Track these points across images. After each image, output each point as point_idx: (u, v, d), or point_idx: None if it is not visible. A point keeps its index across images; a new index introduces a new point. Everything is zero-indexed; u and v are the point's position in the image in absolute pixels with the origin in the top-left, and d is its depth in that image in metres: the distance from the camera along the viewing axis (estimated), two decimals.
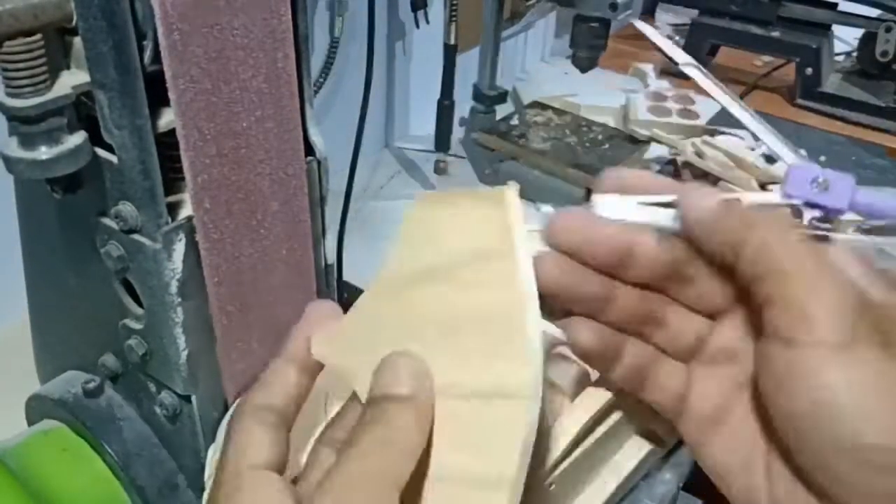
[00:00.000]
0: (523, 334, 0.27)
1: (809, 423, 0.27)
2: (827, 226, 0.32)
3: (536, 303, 0.28)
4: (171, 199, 0.45)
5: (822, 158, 1.21)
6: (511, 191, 0.29)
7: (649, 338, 0.34)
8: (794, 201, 0.32)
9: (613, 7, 0.96)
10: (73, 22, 0.39)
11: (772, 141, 0.32)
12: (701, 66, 0.32)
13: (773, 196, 0.32)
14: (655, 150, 1.17)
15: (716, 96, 0.32)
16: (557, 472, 0.41)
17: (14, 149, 0.40)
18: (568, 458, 0.41)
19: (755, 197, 0.32)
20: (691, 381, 0.34)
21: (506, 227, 0.28)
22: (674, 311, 0.33)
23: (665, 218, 0.32)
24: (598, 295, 0.32)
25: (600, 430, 0.42)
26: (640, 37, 1.63)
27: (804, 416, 0.27)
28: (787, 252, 0.29)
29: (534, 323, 0.27)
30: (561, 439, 0.40)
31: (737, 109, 0.31)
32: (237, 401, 0.33)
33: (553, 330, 0.33)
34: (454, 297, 0.30)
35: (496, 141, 1.10)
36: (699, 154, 1.14)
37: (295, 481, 0.32)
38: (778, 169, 1.13)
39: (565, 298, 0.32)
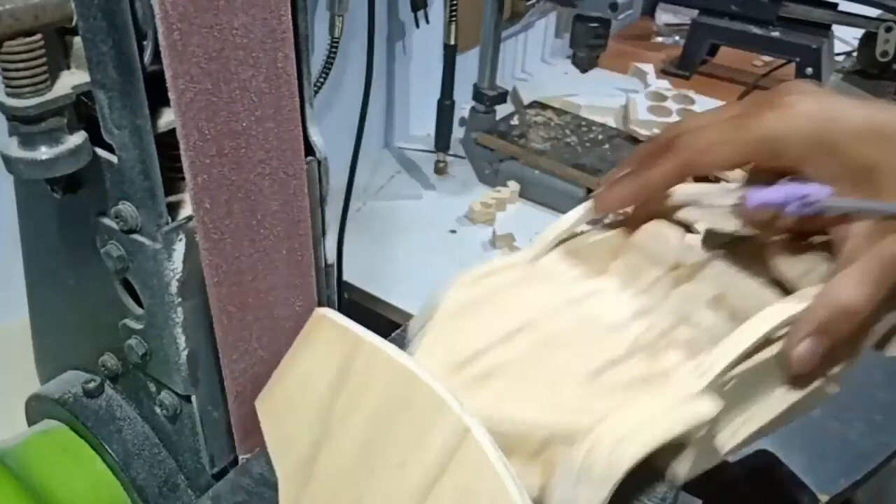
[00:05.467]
0: (420, 382, 0.25)
1: None
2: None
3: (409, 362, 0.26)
4: (171, 199, 0.45)
5: None
6: (322, 311, 0.28)
7: None
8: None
9: (613, 7, 0.96)
10: (73, 22, 0.39)
11: None
12: None
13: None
14: None
15: None
16: (739, 370, 0.34)
17: (14, 149, 0.40)
18: (749, 360, 0.34)
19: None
20: None
21: (341, 331, 0.27)
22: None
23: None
24: None
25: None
26: (640, 37, 1.63)
27: None
28: None
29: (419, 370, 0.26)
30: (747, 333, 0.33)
31: None
32: None
33: None
34: (364, 431, 0.28)
35: (496, 141, 1.10)
36: None
37: None
38: None
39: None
